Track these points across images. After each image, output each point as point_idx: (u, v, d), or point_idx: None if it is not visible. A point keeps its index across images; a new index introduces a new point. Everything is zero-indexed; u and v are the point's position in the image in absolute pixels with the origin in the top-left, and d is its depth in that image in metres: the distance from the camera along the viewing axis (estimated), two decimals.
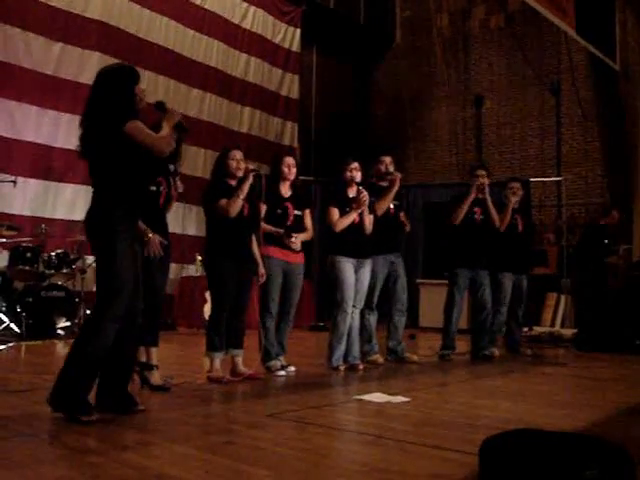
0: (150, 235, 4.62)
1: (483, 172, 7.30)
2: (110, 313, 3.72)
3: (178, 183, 4.98)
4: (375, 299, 6.63)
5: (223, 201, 5.28)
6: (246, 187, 5.31)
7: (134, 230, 3.93)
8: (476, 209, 7.17)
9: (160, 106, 4.18)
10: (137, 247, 3.94)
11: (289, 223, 5.90)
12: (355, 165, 6.25)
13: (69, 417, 3.62)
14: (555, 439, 2.24)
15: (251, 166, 5.45)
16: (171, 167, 4.90)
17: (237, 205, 5.27)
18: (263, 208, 5.79)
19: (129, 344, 3.96)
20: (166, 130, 4.01)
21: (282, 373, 5.77)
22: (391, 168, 6.78)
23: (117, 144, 3.76)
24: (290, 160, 6.02)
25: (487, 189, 7.21)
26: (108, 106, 3.80)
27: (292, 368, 5.95)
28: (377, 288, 6.60)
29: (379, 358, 6.65)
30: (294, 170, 5.99)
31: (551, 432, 2.39)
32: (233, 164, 5.40)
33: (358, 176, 6.23)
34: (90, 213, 3.88)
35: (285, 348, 6.07)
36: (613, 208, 9.01)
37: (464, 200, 7.11)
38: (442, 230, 7.50)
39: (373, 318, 6.66)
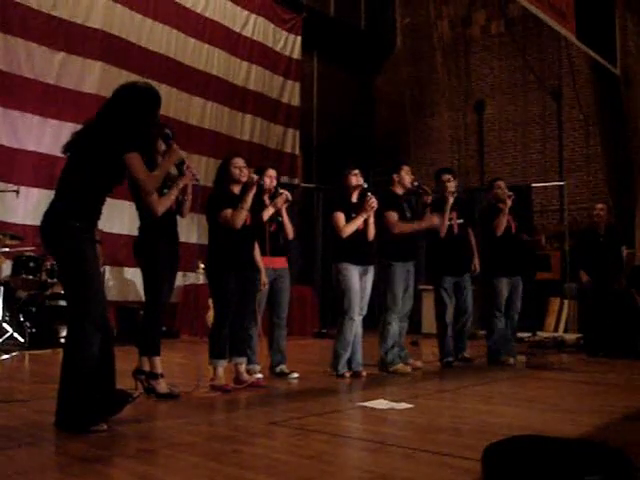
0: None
1: (449, 176, 7.38)
2: (90, 319, 3.66)
3: (193, 171, 4.94)
4: (401, 305, 6.64)
5: (228, 212, 5.30)
6: (250, 198, 5.35)
7: (93, 232, 3.91)
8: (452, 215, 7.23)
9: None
10: (97, 256, 3.93)
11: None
12: (356, 171, 6.28)
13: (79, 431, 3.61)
14: (557, 445, 2.25)
15: (255, 176, 5.47)
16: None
17: (242, 217, 5.30)
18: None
19: (105, 344, 3.80)
20: (163, 168, 4.08)
21: (295, 375, 5.95)
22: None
23: (108, 163, 3.80)
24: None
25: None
26: (121, 126, 3.81)
27: (295, 375, 6.00)
28: (400, 294, 6.60)
29: (417, 362, 6.86)
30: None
31: (554, 438, 2.39)
32: (236, 172, 5.42)
33: (359, 181, 6.25)
34: (50, 219, 3.83)
35: (285, 355, 6.12)
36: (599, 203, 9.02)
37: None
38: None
39: (396, 325, 6.64)
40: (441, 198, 7.21)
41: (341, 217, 6.16)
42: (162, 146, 4.60)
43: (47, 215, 3.85)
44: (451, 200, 7.07)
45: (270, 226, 6.00)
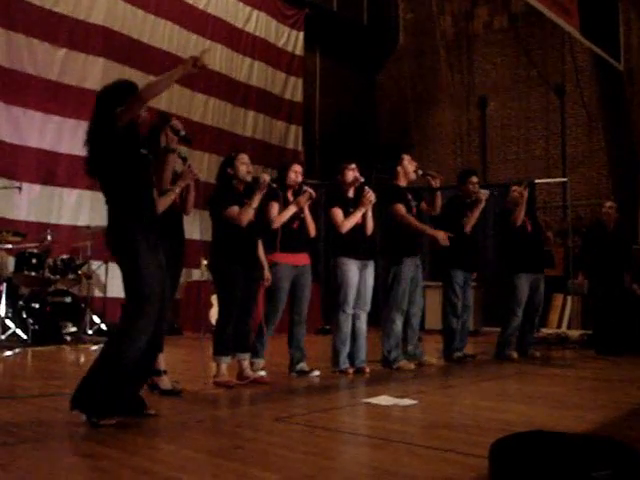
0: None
1: (477, 179, 7.45)
2: (142, 324, 3.70)
3: (193, 170, 4.91)
4: (407, 302, 6.62)
5: (235, 209, 5.28)
6: (258, 198, 5.34)
7: (154, 239, 3.90)
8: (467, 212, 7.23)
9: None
10: (161, 256, 3.91)
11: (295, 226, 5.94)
12: (353, 166, 6.25)
13: (88, 419, 3.62)
14: (565, 441, 2.23)
15: (267, 177, 5.44)
16: (182, 150, 4.86)
17: (249, 215, 5.30)
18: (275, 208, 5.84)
19: (150, 351, 3.89)
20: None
21: (316, 373, 5.88)
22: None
23: (120, 161, 3.80)
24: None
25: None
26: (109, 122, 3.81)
27: (316, 372, 5.93)
28: (407, 291, 6.57)
29: (432, 358, 6.82)
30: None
31: (561, 434, 2.37)
32: (243, 168, 5.40)
33: (354, 176, 6.22)
34: (109, 229, 3.87)
35: (304, 352, 6.05)
36: (608, 201, 8.98)
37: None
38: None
39: (400, 323, 6.59)
40: (462, 199, 7.28)
41: (339, 212, 6.13)
42: (166, 140, 4.52)
43: (108, 225, 3.89)
44: (483, 204, 7.15)
45: (292, 223, 5.87)
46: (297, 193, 5.96)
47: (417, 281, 6.69)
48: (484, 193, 7.19)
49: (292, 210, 5.83)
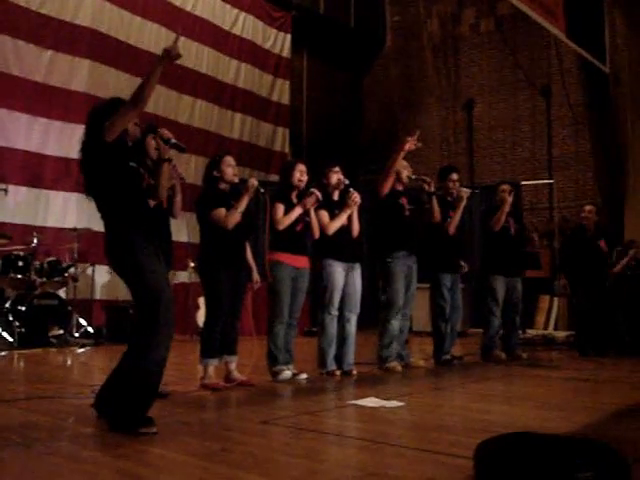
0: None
1: (457, 176, 7.40)
2: (159, 320, 3.67)
3: (178, 170, 4.90)
4: (402, 300, 6.61)
5: (221, 212, 5.27)
6: (246, 201, 5.33)
7: (154, 243, 3.89)
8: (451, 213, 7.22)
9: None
10: (162, 262, 3.90)
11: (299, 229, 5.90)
12: (337, 169, 6.26)
13: (116, 428, 3.61)
14: (549, 442, 2.25)
15: (255, 181, 5.42)
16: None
17: (236, 218, 5.29)
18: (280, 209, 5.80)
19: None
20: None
21: (287, 373, 5.74)
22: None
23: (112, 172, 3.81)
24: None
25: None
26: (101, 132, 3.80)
27: (304, 375, 5.87)
28: (400, 289, 6.56)
29: (419, 361, 6.80)
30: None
31: (545, 435, 2.39)
32: (229, 171, 5.40)
33: (338, 179, 6.22)
34: (109, 244, 3.85)
35: (293, 355, 6.01)
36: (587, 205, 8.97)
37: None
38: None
39: (396, 323, 6.59)
40: (443, 197, 7.22)
41: (325, 215, 6.12)
42: (157, 151, 4.49)
43: (106, 236, 3.88)
44: (464, 202, 7.13)
45: (296, 225, 5.81)
46: (301, 194, 5.91)
47: (409, 283, 6.69)
48: (465, 191, 7.18)
49: (298, 212, 5.79)
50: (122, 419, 3.62)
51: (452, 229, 7.12)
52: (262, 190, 5.60)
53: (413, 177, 6.77)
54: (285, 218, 5.74)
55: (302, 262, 5.93)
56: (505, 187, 7.70)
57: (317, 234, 6.00)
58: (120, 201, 3.82)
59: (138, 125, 3.99)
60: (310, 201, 5.80)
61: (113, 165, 3.79)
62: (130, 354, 3.80)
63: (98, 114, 3.85)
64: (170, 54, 3.64)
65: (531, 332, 10.92)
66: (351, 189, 6.13)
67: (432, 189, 6.87)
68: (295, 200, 5.90)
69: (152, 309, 3.70)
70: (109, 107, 3.85)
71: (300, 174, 5.90)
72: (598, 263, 8.38)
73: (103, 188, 3.83)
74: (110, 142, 3.72)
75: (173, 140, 4.28)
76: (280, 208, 5.76)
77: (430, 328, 7.41)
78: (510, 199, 7.46)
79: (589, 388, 5.77)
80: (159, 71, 3.64)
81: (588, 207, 8.65)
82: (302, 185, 5.91)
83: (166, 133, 4.21)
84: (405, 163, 6.72)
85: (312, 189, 5.86)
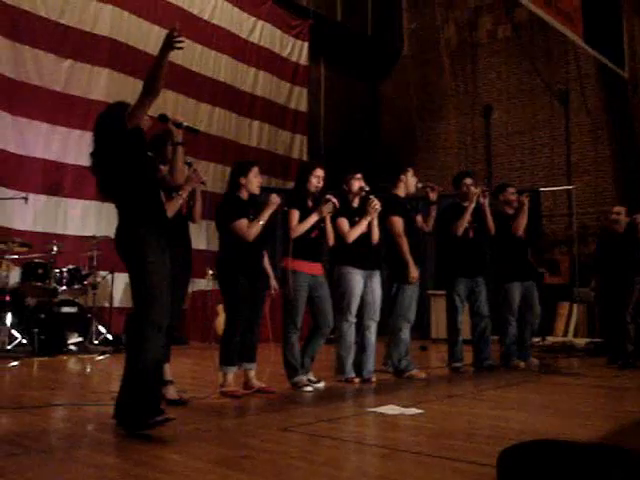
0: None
1: (471, 180, 7.34)
2: (150, 320, 3.72)
3: (200, 175, 4.93)
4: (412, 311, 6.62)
5: (243, 223, 5.27)
6: (268, 214, 5.35)
7: (163, 242, 3.91)
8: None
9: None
10: (167, 259, 3.92)
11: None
12: (359, 176, 6.24)
13: (131, 433, 3.66)
14: (575, 450, 2.22)
15: (277, 197, 5.40)
16: (187, 159, 4.88)
17: (257, 230, 5.29)
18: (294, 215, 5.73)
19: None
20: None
21: (309, 389, 5.61)
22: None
23: (127, 165, 3.85)
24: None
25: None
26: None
27: (322, 383, 5.78)
28: (412, 299, 6.58)
29: (420, 373, 6.64)
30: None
31: (570, 442, 2.36)
32: (256, 181, 5.42)
33: (359, 186, 6.20)
34: (119, 231, 3.90)
35: (313, 360, 5.93)
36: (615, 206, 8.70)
37: (465, 210, 7.11)
38: (442, 241, 7.49)
39: (407, 331, 6.61)
40: (460, 203, 7.22)
41: (345, 222, 6.10)
42: (171, 136, 4.51)
43: (117, 227, 3.93)
44: (480, 201, 7.09)
45: (311, 232, 5.69)
46: (318, 200, 5.78)
47: (416, 293, 6.69)
48: (475, 191, 7.10)
49: (313, 219, 5.67)
50: (129, 421, 3.67)
51: (460, 230, 7.04)
52: (286, 209, 5.63)
53: (420, 185, 6.78)
54: (300, 226, 5.64)
55: (318, 269, 5.84)
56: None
57: (332, 241, 5.89)
58: (134, 189, 3.87)
59: (149, 119, 4.03)
60: (327, 209, 5.68)
61: (132, 153, 3.85)
62: (127, 355, 3.85)
63: (113, 110, 3.92)
64: (173, 36, 3.67)
65: (550, 339, 10.84)
66: (371, 196, 6.10)
67: (435, 197, 6.86)
68: (311, 206, 5.80)
69: (147, 308, 3.74)
70: (118, 107, 3.93)
71: (317, 180, 5.77)
72: (629, 266, 8.07)
73: (120, 176, 3.88)
74: (130, 130, 3.78)
75: (185, 123, 4.33)
76: (295, 215, 5.66)
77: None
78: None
79: (610, 396, 5.72)
80: (167, 53, 3.69)
81: (617, 208, 8.41)
82: (317, 191, 5.80)
83: (178, 118, 4.27)
84: (414, 171, 6.75)
85: (328, 196, 5.73)
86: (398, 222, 6.47)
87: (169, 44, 3.66)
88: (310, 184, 5.76)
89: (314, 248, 5.79)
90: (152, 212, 3.90)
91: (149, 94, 3.74)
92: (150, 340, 3.72)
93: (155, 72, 3.71)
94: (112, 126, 3.84)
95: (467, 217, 7.04)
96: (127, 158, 3.84)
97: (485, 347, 7.23)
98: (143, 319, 3.74)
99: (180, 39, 3.64)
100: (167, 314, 3.81)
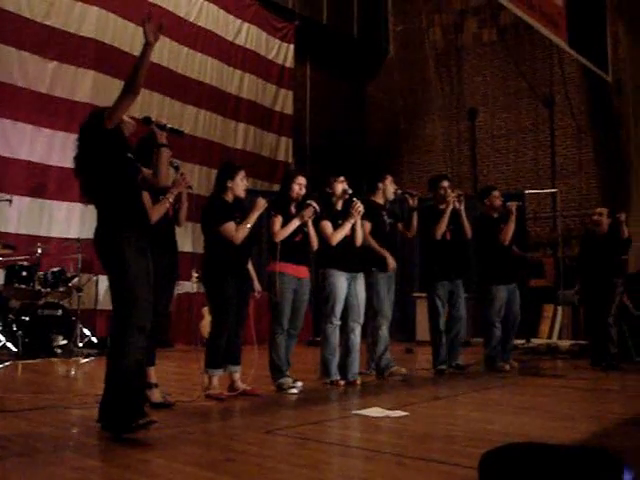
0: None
1: (447, 183, 7.38)
2: (132, 322, 3.73)
3: (187, 179, 4.94)
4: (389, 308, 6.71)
5: (231, 226, 5.31)
6: (255, 217, 5.39)
7: (143, 243, 3.91)
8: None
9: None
10: (148, 261, 3.92)
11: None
12: (342, 179, 6.29)
13: (116, 436, 3.65)
14: (555, 452, 2.24)
15: (263, 201, 5.47)
16: (175, 162, 4.90)
17: (245, 233, 5.33)
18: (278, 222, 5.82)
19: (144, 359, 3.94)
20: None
21: (294, 391, 5.68)
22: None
23: (109, 166, 3.86)
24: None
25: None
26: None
27: (299, 384, 5.86)
28: (386, 298, 6.66)
29: (400, 369, 6.68)
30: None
31: (551, 445, 2.38)
32: (242, 186, 5.46)
33: (343, 188, 6.25)
34: (98, 233, 3.90)
35: (290, 364, 6.02)
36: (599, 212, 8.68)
37: (443, 214, 7.12)
38: (423, 244, 7.59)
39: (386, 329, 6.69)
40: (436, 206, 7.26)
41: (328, 225, 6.15)
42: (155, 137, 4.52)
43: (97, 227, 3.93)
44: (456, 207, 7.11)
45: (295, 236, 5.83)
46: (300, 206, 5.93)
47: (388, 291, 6.74)
48: (453, 196, 7.13)
49: (295, 224, 5.81)
50: (112, 424, 3.67)
51: (438, 234, 7.09)
52: (273, 213, 5.75)
53: (400, 192, 6.88)
54: (282, 230, 5.76)
55: (303, 272, 5.96)
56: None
57: (315, 245, 6.02)
58: (113, 190, 3.87)
59: (134, 120, 4.04)
60: (307, 213, 5.83)
61: (111, 153, 3.86)
62: (109, 358, 3.85)
63: (90, 118, 3.94)
64: (148, 31, 3.73)
65: (535, 341, 10.88)
66: (354, 199, 6.15)
67: (415, 203, 6.93)
68: (293, 211, 5.92)
69: (127, 311, 3.76)
70: (100, 110, 3.95)
71: (299, 187, 5.93)
72: (611, 268, 8.04)
73: (99, 177, 3.88)
74: (110, 130, 3.79)
75: (169, 125, 4.34)
76: (278, 220, 5.79)
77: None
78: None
79: (593, 397, 5.76)
80: (150, 49, 3.78)
81: (599, 209, 8.42)
82: (301, 198, 5.94)
83: (161, 120, 4.29)
84: (392, 178, 6.81)
85: (309, 201, 5.89)
86: (366, 227, 6.53)
87: (151, 37, 3.74)
88: (292, 191, 5.91)
89: (299, 251, 5.88)
90: (131, 214, 3.90)
91: (129, 92, 3.77)
92: (131, 342, 3.72)
93: (139, 69, 3.75)
94: (92, 127, 3.86)
95: (445, 221, 7.09)
96: (106, 158, 3.85)
97: (457, 348, 7.33)
98: (124, 322, 3.75)
99: (154, 28, 3.69)
100: (148, 316, 3.81)
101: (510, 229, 7.39)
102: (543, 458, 2.27)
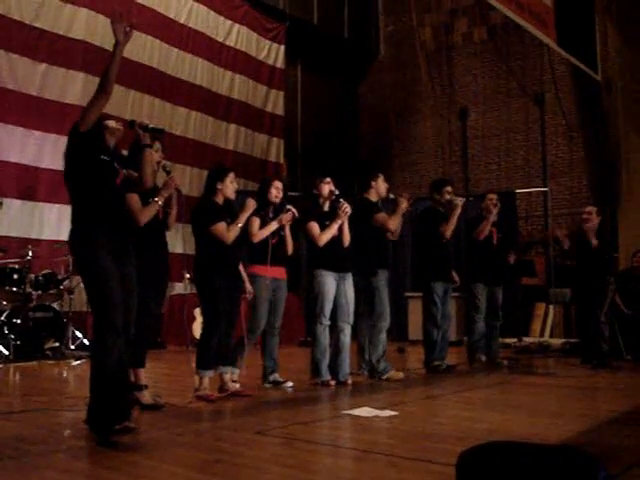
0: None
1: (451, 188, 7.45)
2: (107, 324, 3.74)
3: (176, 182, 4.95)
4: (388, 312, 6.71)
5: (222, 226, 5.33)
6: (245, 218, 5.44)
7: (117, 244, 3.92)
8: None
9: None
10: (124, 262, 3.93)
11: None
12: (328, 180, 6.32)
13: (101, 439, 3.66)
14: (533, 452, 2.24)
15: (253, 202, 5.51)
16: (167, 166, 4.91)
17: (236, 233, 5.36)
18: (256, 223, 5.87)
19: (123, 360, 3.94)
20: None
21: (290, 384, 5.89)
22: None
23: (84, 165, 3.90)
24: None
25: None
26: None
27: (290, 384, 5.97)
28: (386, 301, 6.66)
29: (398, 373, 6.67)
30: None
31: (530, 444, 2.38)
32: (232, 188, 5.49)
33: (329, 190, 6.28)
34: (71, 234, 3.94)
35: (277, 363, 6.12)
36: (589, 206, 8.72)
37: (450, 218, 7.16)
38: (420, 245, 7.61)
39: (385, 333, 6.70)
40: (436, 208, 7.36)
41: (315, 226, 6.19)
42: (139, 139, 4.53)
43: (70, 230, 3.98)
44: (459, 210, 7.14)
45: (271, 238, 5.92)
46: (278, 209, 6.02)
47: (386, 289, 6.77)
48: (460, 200, 7.23)
49: (273, 227, 5.90)
50: (96, 426, 3.68)
51: (448, 234, 7.14)
52: (265, 214, 5.87)
53: (392, 197, 6.92)
54: (260, 232, 5.85)
55: (279, 273, 6.08)
56: (492, 196, 7.79)
57: (291, 249, 6.15)
58: (85, 191, 3.91)
59: (121, 125, 4.06)
60: (287, 218, 5.94)
61: (85, 155, 3.89)
62: (91, 361, 3.90)
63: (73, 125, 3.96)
64: (119, 33, 3.87)
65: (527, 339, 10.92)
66: (341, 200, 6.18)
67: (404, 207, 6.93)
68: (271, 215, 6.01)
69: (102, 312, 3.78)
70: None
71: (276, 191, 6.04)
72: (600, 268, 8.05)
73: (72, 179, 3.94)
74: (84, 132, 3.81)
75: (151, 125, 4.37)
76: (256, 222, 5.85)
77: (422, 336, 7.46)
78: (495, 210, 7.53)
79: (584, 395, 5.78)
80: (122, 48, 3.88)
81: (589, 208, 8.44)
82: (278, 201, 6.04)
83: (144, 120, 4.32)
84: (384, 178, 6.87)
85: (289, 206, 6.03)
86: (382, 217, 6.59)
87: (117, 38, 3.84)
88: (270, 194, 6.00)
89: (275, 253, 5.95)
90: (103, 216, 3.91)
91: (101, 92, 3.81)
92: (109, 344, 3.75)
93: (108, 70, 3.83)
94: (71, 131, 3.89)
95: (453, 223, 7.15)
96: (77, 161, 3.88)
97: (445, 347, 7.35)
98: (99, 323, 3.78)
99: (123, 28, 3.72)
100: (121, 315, 3.82)
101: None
102: (519, 457, 2.28)
